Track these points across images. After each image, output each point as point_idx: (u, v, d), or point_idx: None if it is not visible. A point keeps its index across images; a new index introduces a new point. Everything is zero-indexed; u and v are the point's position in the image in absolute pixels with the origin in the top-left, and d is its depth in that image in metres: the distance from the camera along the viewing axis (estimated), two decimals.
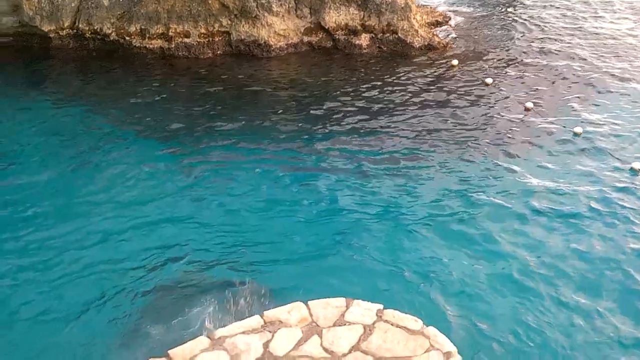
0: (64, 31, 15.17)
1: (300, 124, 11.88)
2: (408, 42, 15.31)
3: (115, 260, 8.15)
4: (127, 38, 15.00)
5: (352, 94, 13.06)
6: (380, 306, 4.34)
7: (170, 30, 14.96)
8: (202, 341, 4.06)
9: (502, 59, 14.80)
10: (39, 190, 10.16)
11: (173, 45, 14.97)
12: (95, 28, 15.02)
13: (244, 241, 8.33)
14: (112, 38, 15.00)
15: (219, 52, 15.16)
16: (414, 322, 4.20)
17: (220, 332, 4.14)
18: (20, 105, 13.46)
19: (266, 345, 4.01)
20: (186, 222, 8.94)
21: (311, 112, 12.39)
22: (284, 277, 7.46)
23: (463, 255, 7.67)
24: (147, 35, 14.95)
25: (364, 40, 15.35)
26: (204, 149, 11.10)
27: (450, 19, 17.51)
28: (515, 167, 9.95)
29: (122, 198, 9.67)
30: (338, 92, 13.17)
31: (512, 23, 17.74)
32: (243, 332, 4.12)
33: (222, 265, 7.87)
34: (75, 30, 15.17)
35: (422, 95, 12.84)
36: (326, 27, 15.28)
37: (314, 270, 7.67)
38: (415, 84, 13.47)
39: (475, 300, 6.80)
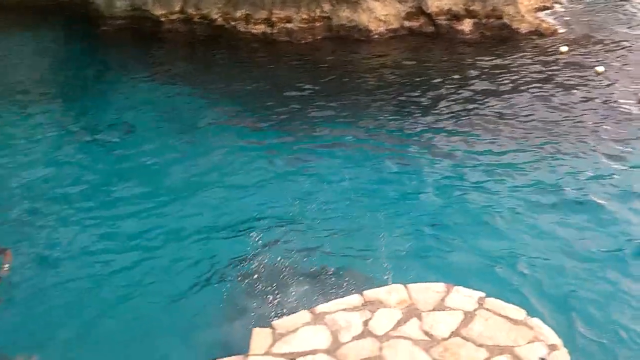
0: (174, 15, 15.89)
1: (399, 110, 11.82)
2: (513, 27, 14.82)
3: (216, 235, 8.50)
4: (232, 23, 15.49)
5: (453, 80, 12.82)
6: (482, 294, 4.28)
7: (273, 16, 15.30)
8: (304, 315, 4.19)
9: (615, 45, 13.98)
10: (146, 163, 10.79)
11: (275, 30, 15.30)
12: (203, 13, 15.63)
13: (343, 228, 8.38)
14: (218, 23, 15.55)
15: (319, 37, 15.34)
16: (517, 312, 4.12)
17: (321, 308, 4.26)
18: (133, 84, 14.31)
19: (366, 323, 4.08)
20: (283, 203, 9.16)
21: (411, 97, 12.28)
22: (380, 264, 7.47)
23: (570, 250, 7.38)
24: (252, 20, 15.37)
25: (466, 25, 15.00)
26: (302, 131, 11.30)
27: (558, 3, 16.74)
28: (626, 163, 9.42)
29: (220, 177, 10.05)
30: (439, 79, 12.97)
31: (625, 7, 16.70)
32: (344, 309, 4.21)
33: (320, 250, 7.98)
34: (184, 15, 15.85)
35: (527, 84, 12.39)
36: (428, 12, 15.06)
37: (411, 257, 7.64)
38: (520, 72, 13.01)
39: (579, 296, 6.56)
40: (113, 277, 7.81)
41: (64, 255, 8.43)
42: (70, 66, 16.03)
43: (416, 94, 12.37)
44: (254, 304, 6.72)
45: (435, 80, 12.87)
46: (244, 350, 4.09)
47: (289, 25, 15.29)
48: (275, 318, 4.46)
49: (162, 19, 15.92)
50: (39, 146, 11.79)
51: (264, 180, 9.77)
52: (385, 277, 6.82)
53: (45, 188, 10.18)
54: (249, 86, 13.42)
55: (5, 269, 7.91)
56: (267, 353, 3.87)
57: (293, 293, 6.91)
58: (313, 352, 3.86)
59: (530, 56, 13.81)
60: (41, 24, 18.58)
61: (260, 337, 3.99)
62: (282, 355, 3.84)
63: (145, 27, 16.41)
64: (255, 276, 7.25)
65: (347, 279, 7.16)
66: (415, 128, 11.01)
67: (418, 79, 13.09)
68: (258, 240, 8.09)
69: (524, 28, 14.76)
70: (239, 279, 7.32)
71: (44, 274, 8.06)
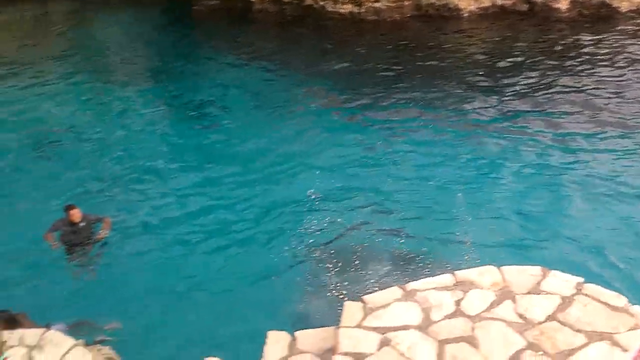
0: None
1: (487, 91, 11.52)
2: (613, 6, 14.05)
3: (304, 214, 8.64)
4: (320, 3, 15.56)
5: (547, 61, 12.32)
6: (581, 279, 4.16)
7: None
8: (395, 291, 4.22)
9: None
10: (236, 141, 11.09)
11: (363, 10, 15.23)
12: None
13: (429, 211, 8.30)
14: (307, 3, 15.67)
15: (407, 16, 15.16)
16: (617, 299, 3.97)
17: (412, 285, 4.27)
18: (224, 63, 14.70)
19: (458, 303, 4.06)
20: (371, 185, 9.15)
21: (501, 78, 11.93)
22: (466, 248, 7.37)
23: None
24: (340, 0, 15.36)
25: (563, 3, 14.36)
26: (390, 112, 11.25)
27: None
28: None
29: (308, 157, 10.17)
30: (531, 59, 12.51)
31: None
32: (434, 288, 4.21)
33: (405, 232, 7.95)
34: None
35: (627, 65, 11.73)
36: None
37: (498, 243, 7.50)
38: (619, 52, 12.33)
39: None
40: (203, 250, 8.14)
41: (156, 227, 8.85)
42: (163, 45, 16.65)
43: (506, 75, 12.00)
44: (340, 281, 6.82)
45: (528, 61, 12.43)
46: (330, 324, 4.19)
47: (377, 5, 15.18)
48: (361, 295, 4.50)
49: (253, 0, 16.20)
50: (134, 123, 12.38)
51: (354, 161, 9.83)
52: (472, 260, 6.74)
53: (139, 163, 10.70)
54: (337, 66, 13.47)
55: (103, 235, 8.42)
56: (358, 326, 3.93)
57: (379, 272, 6.96)
58: (404, 327, 3.89)
59: (631, 36, 13.04)
60: (135, 4, 19.35)
61: (351, 311, 4.06)
62: (374, 329, 3.89)
63: (236, 8, 16.78)
64: (342, 254, 7.35)
65: (431, 262, 7.12)
66: (505, 110, 10.71)
67: (510, 60, 12.68)
68: (346, 220, 8.18)
69: (624, 7, 13.96)
70: (326, 256, 7.44)
71: (137, 243, 8.50)
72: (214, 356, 4.01)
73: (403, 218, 8.21)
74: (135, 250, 8.29)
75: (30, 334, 4.71)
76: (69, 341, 4.65)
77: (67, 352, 4.53)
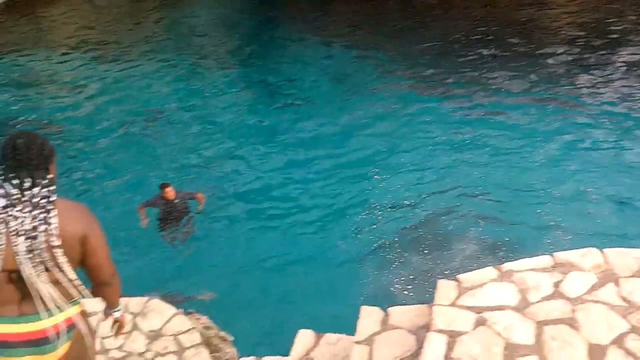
0: None
1: (585, 67, 11.01)
2: None
3: (386, 191, 8.64)
4: None
5: None
6: None
7: None
8: (491, 272, 4.15)
9: None
10: (318, 123, 11.19)
11: None
12: None
13: (523, 197, 8.09)
14: None
15: None
16: None
17: (508, 266, 4.18)
18: (305, 40, 14.81)
19: (556, 285, 3.95)
20: (459, 170, 9.01)
21: (597, 55, 11.36)
22: (561, 235, 7.13)
23: None
24: None
25: None
26: (480, 95, 10.98)
27: None
28: None
29: (391, 140, 10.13)
30: (631, 35, 11.81)
31: None
32: (532, 269, 4.10)
33: (497, 218, 7.80)
34: None
35: None
36: None
37: (594, 233, 7.20)
38: None
39: None
40: (292, 229, 8.33)
41: (244, 204, 9.13)
42: (248, 26, 16.99)
43: (606, 52, 11.40)
44: (430, 261, 6.80)
45: (624, 36, 11.74)
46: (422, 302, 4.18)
47: None
48: (452, 275, 4.46)
49: None
50: (220, 103, 12.75)
51: (439, 144, 9.69)
52: (565, 243, 6.52)
53: (226, 141, 11.05)
54: (423, 45, 13.27)
55: (199, 208, 8.80)
56: (452, 305, 3.90)
57: (470, 254, 6.88)
58: (500, 308, 3.82)
59: None
60: None
61: (445, 289, 4.03)
62: (469, 308, 3.85)
63: None
64: (431, 236, 7.31)
65: (524, 245, 6.95)
66: (605, 90, 10.21)
67: (610, 36, 12.02)
68: (434, 203, 8.12)
69: None
70: (415, 237, 7.43)
71: (227, 219, 8.80)
72: (308, 328, 4.10)
73: (493, 201, 8.05)
74: (225, 226, 8.59)
75: (135, 302, 5.01)
76: (171, 309, 4.90)
77: (168, 320, 4.78)
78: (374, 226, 7.78)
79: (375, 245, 7.45)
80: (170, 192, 8.62)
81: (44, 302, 2.49)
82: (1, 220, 2.42)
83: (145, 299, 5.03)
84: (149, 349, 4.49)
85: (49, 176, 2.52)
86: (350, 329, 4.00)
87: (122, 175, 10.10)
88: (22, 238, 2.42)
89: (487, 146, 9.33)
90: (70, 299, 2.58)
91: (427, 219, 7.86)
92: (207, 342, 4.65)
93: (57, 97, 13.45)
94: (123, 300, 4.98)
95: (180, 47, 16.01)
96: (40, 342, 2.52)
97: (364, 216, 8.09)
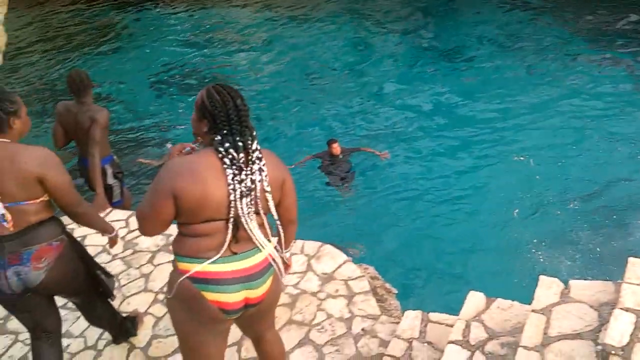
0: None
1: None
2: None
3: (553, 167, 8.16)
4: None
5: None
6: None
7: None
8: None
9: None
10: (489, 87, 10.79)
11: None
12: None
13: None
14: None
15: None
16: None
17: None
18: (476, 8, 14.24)
19: None
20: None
21: None
22: None
23: None
24: None
25: None
26: None
27: None
28: None
29: (565, 107, 9.50)
30: None
31: None
32: None
33: None
34: None
35: None
36: None
37: None
38: None
39: None
40: (460, 197, 8.20)
41: (409, 168, 9.13)
42: None
43: None
44: (613, 240, 6.38)
45: None
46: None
47: None
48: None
49: None
50: (398, 62, 12.72)
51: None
52: None
53: (392, 102, 11.06)
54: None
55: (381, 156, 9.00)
56: None
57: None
58: None
59: None
60: None
61: (636, 267, 3.77)
62: None
63: None
64: (616, 214, 6.83)
65: None
66: None
67: None
68: (611, 174, 7.56)
69: None
70: (599, 214, 6.99)
71: (388, 180, 8.88)
72: (478, 291, 4.06)
73: None
74: (387, 186, 8.68)
75: (309, 245, 5.30)
76: (342, 256, 5.12)
77: (340, 266, 5.00)
78: (554, 199, 7.42)
79: (555, 216, 7.12)
80: (336, 148, 8.99)
81: (258, 243, 2.74)
82: (230, 190, 2.58)
83: (319, 243, 5.28)
84: (322, 290, 4.74)
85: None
86: (523, 299, 3.92)
87: (290, 130, 10.59)
88: (244, 199, 2.61)
89: None
90: (267, 239, 2.84)
91: (595, 192, 7.35)
92: (373, 292, 4.80)
93: (239, 51, 14.30)
94: (299, 242, 5.33)
95: (354, 8, 16.12)
96: (252, 277, 2.76)
97: (545, 188, 7.74)
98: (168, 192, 2.55)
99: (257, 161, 2.64)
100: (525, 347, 3.30)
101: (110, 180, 6.00)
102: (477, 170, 8.54)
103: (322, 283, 4.81)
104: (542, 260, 6.32)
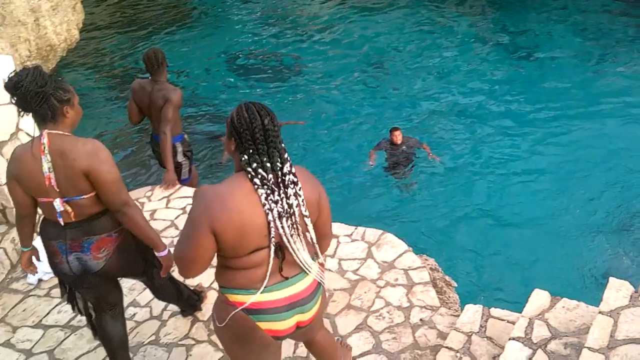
0: None
1: None
2: None
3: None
4: None
5: None
6: None
7: None
8: None
9: None
10: (557, 79, 10.44)
11: None
12: None
13: None
14: None
15: None
16: None
17: None
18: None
19: None
20: None
21: None
22: None
23: None
24: None
25: None
26: None
27: None
28: None
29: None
30: None
31: None
32: None
33: None
34: None
35: None
36: None
37: None
38: None
39: None
40: (525, 191, 8.02)
41: (472, 158, 8.97)
42: None
43: None
44: None
45: None
46: None
47: None
48: None
49: None
50: (452, 53, 12.50)
51: None
52: None
53: (456, 95, 10.88)
54: None
55: (430, 156, 8.94)
56: None
57: None
58: None
59: None
60: None
61: None
62: None
63: None
64: None
65: None
66: None
67: None
68: None
69: None
70: None
71: (452, 173, 8.76)
72: (543, 289, 3.99)
73: None
74: (449, 178, 8.58)
75: (370, 233, 5.31)
76: (403, 245, 5.11)
77: (400, 255, 5.00)
78: (628, 202, 7.15)
79: (628, 217, 6.87)
80: (398, 136, 8.88)
81: (304, 266, 2.66)
82: (266, 211, 2.46)
83: (380, 232, 5.29)
84: (381, 278, 4.76)
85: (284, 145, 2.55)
86: (588, 300, 3.82)
87: (350, 116, 10.58)
88: (284, 219, 2.49)
89: None
90: (314, 257, 2.77)
91: None
92: (433, 283, 4.78)
93: (308, 35, 14.33)
94: (360, 229, 5.36)
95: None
96: (304, 301, 2.71)
97: (617, 188, 7.47)
98: (206, 228, 2.42)
99: (292, 185, 2.52)
100: (590, 349, 3.23)
101: (180, 158, 6.17)
102: (545, 166, 8.31)
103: (382, 271, 4.82)
104: (609, 262, 6.12)
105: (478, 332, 3.98)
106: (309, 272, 2.68)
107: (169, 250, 3.40)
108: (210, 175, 8.83)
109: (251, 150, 2.44)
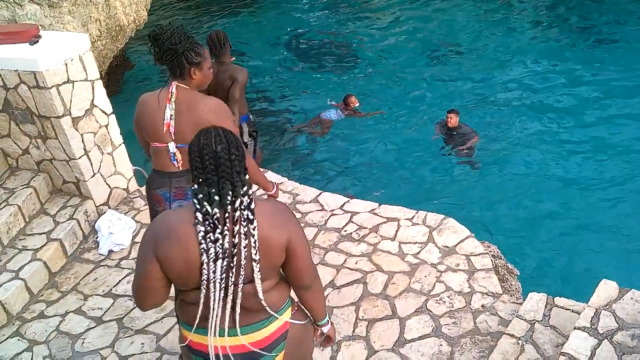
0: None
1: None
2: None
3: None
4: None
5: None
6: None
7: None
8: None
9: None
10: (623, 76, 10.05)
11: None
12: None
13: None
14: None
15: None
16: None
17: None
18: None
19: None
20: None
21: None
22: None
23: None
24: None
25: None
26: None
27: None
28: None
29: None
30: None
31: None
32: None
33: None
34: None
35: None
36: None
37: None
38: None
39: None
40: (582, 180, 7.79)
41: (540, 150, 8.76)
42: None
43: None
44: None
45: None
46: None
47: None
48: None
49: None
50: (514, 42, 12.17)
51: None
52: None
53: (515, 83, 10.61)
54: None
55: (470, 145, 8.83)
56: None
57: None
58: None
59: None
60: None
61: None
62: None
63: None
64: None
65: None
66: None
67: None
68: None
69: None
70: None
71: (512, 162, 8.58)
72: (610, 280, 3.89)
73: None
74: (514, 169, 8.42)
75: (431, 217, 5.29)
76: (465, 231, 5.07)
77: (462, 240, 4.96)
78: None
79: None
80: (453, 119, 8.81)
81: (211, 328, 2.30)
82: (202, 250, 2.17)
83: (442, 216, 5.26)
84: (442, 262, 4.74)
85: (248, 177, 2.23)
86: None
87: (411, 101, 10.50)
88: (219, 261, 2.18)
89: None
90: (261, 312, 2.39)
91: None
92: (495, 270, 4.73)
93: (365, 22, 14.25)
94: (421, 213, 5.33)
95: None
96: (255, 355, 2.41)
97: None
98: (151, 255, 2.23)
99: (245, 223, 2.19)
100: None
101: (246, 138, 6.27)
102: (616, 156, 8.03)
103: (443, 256, 4.80)
104: None
105: (542, 320, 3.92)
106: (214, 335, 2.30)
107: (276, 189, 3.79)
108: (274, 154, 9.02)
109: (200, 180, 2.16)
